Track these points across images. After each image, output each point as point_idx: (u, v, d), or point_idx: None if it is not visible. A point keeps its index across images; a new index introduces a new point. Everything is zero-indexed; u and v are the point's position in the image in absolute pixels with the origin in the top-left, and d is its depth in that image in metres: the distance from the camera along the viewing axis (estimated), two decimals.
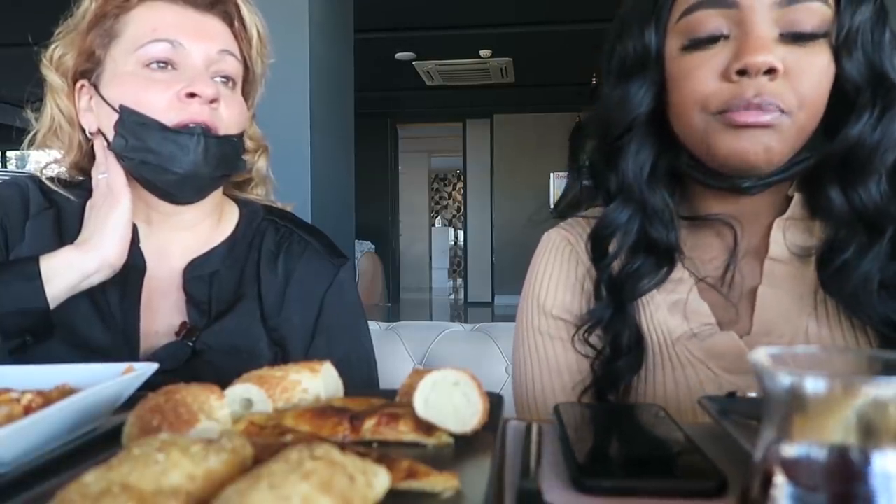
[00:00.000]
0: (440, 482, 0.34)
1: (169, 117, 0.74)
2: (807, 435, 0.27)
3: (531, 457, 0.42)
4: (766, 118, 0.59)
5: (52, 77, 0.80)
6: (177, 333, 0.79)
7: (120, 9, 0.78)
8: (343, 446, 0.34)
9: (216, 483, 0.31)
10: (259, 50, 0.86)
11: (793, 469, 0.27)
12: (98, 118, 0.79)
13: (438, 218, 13.04)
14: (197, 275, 0.82)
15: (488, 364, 1.25)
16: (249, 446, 0.35)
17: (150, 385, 0.48)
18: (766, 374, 0.28)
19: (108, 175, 0.77)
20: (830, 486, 0.26)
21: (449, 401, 0.42)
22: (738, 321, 0.68)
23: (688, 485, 0.38)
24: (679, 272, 0.70)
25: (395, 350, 1.29)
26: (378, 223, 8.03)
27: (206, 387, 0.43)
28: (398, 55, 5.86)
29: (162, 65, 0.76)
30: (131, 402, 0.46)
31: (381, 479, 0.32)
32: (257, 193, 0.94)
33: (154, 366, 0.52)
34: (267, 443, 0.37)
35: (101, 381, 0.46)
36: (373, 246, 7.34)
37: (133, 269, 0.79)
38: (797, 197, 0.68)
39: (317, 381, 0.50)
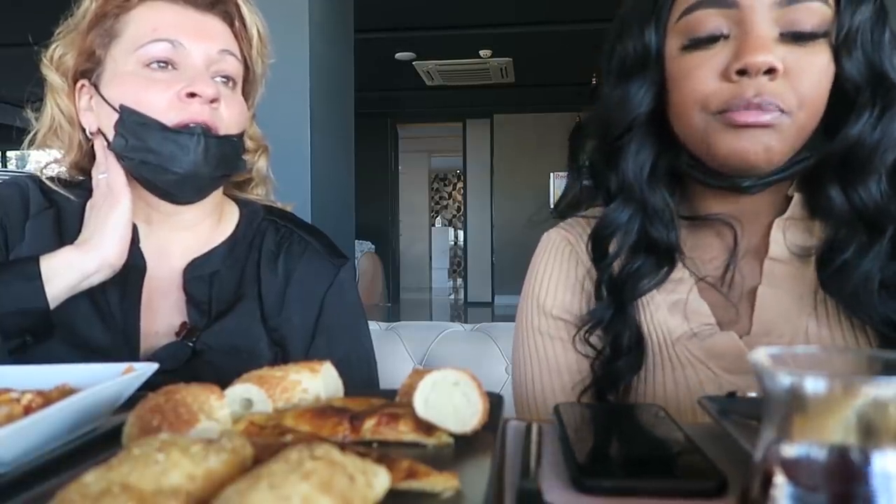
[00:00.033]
0: (440, 482, 0.34)
1: (169, 117, 0.74)
2: (807, 435, 0.27)
3: (531, 457, 0.42)
4: (765, 118, 0.59)
5: (52, 77, 0.80)
6: (177, 334, 0.79)
7: (120, 8, 0.78)
8: (343, 446, 0.34)
9: (216, 483, 0.31)
10: (259, 50, 0.86)
11: (793, 469, 0.27)
12: (98, 118, 0.79)
13: (438, 218, 13.04)
14: (197, 275, 0.82)
15: (488, 364, 1.25)
16: (249, 446, 0.35)
17: (150, 385, 0.48)
18: (766, 374, 0.28)
19: (108, 175, 0.77)
20: (830, 486, 0.26)
21: (449, 401, 0.42)
22: (737, 321, 0.68)
23: (688, 485, 0.38)
24: (679, 272, 0.70)
25: (395, 350, 1.29)
26: (378, 223, 8.03)
27: (206, 387, 0.43)
28: (398, 55, 5.86)
29: (162, 64, 0.76)
30: (131, 402, 0.46)
31: (381, 479, 0.32)
32: (257, 193, 0.94)
33: (154, 366, 0.52)
34: (267, 443, 0.37)
35: (101, 381, 0.46)
36: (373, 246, 7.34)
37: (133, 269, 0.79)
38: (797, 197, 0.68)
39: (317, 381, 0.50)
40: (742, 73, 0.59)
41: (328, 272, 0.88)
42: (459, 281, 10.78)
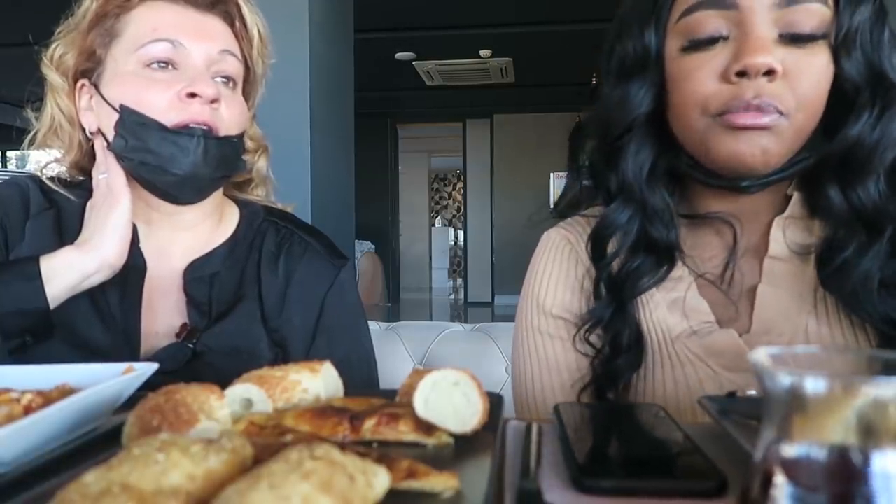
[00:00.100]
0: (440, 482, 0.34)
1: (169, 117, 0.74)
2: (807, 435, 0.27)
3: (531, 457, 0.42)
4: (764, 120, 0.59)
5: (52, 76, 0.80)
6: (177, 335, 0.79)
7: (121, 8, 0.78)
8: (343, 446, 0.34)
9: (216, 483, 0.31)
10: (260, 50, 0.86)
11: (793, 469, 0.27)
12: (98, 118, 0.79)
13: (438, 218, 13.04)
14: (197, 276, 0.82)
15: (488, 364, 1.25)
16: (249, 446, 0.35)
17: (150, 386, 0.48)
18: (766, 374, 0.28)
19: (108, 175, 0.77)
20: (830, 486, 0.26)
21: (449, 401, 0.42)
22: (737, 319, 0.68)
23: (688, 485, 0.38)
24: (679, 270, 0.70)
25: (395, 350, 1.29)
26: (378, 223, 8.03)
27: (206, 387, 0.43)
28: (398, 55, 5.86)
29: (163, 65, 0.76)
30: (131, 402, 0.46)
31: (381, 479, 0.32)
32: (258, 194, 0.94)
33: (154, 366, 0.52)
34: (267, 443, 0.37)
35: (101, 381, 0.46)
36: (373, 246, 7.34)
37: (133, 269, 0.79)
38: (797, 195, 0.68)
39: (317, 381, 0.50)
40: (741, 74, 0.60)
41: (328, 273, 0.88)
42: (459, 281, 10.78)
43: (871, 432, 0.25)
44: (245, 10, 0.83)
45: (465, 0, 4.61)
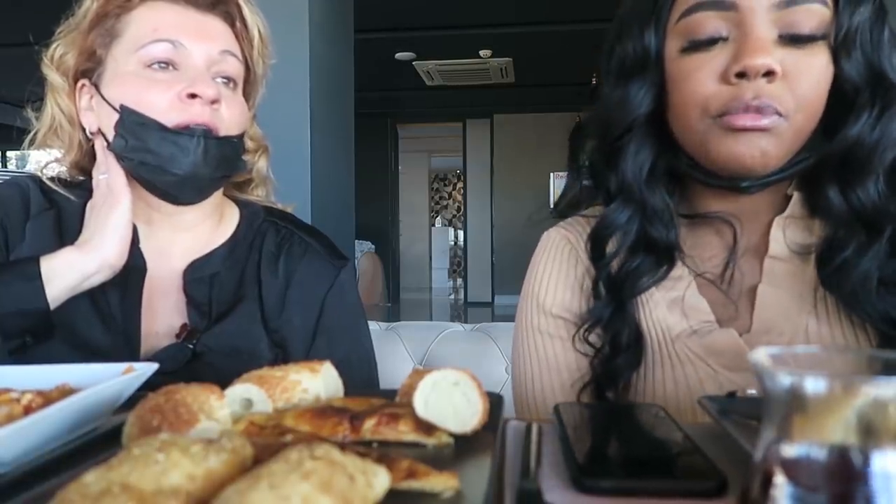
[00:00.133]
0: (440, 482, 0.34)
1: (170, 118, 0.74)
2: (807, 435, 0.27)
3: (531, 457, 0.42)
4: (763, 122, 0.59)
5: (52, 76, 0.80)
6: (177, 335, 0.79)
7: (121, 8, 0.78)
8: (343, 446, 0.34)
9: (216, 483, 0.31)
10: (260, 50, 0.85)
11: (793, 469, 0.27)
12: (98, 118, 0.79)
13: (438, 218, 13.04)
14: (197, 276, 0.82)
15: (488, 364, 1.25)
16: (249, 446, 0.35)
17: (150, 387, 0.48)
18: (766, 374, 0.28)
19: (109, 175, 0.77)
20: (830, 486, 0.26)
21: (449, 401, 0.42)
22: (737, 318, 0.68)
23: (688, 485, 0.38)
24: (678, 270, 0.71)
25: (395, 350, 1.29)
26: (378, 223, 8.03)
27: (206, 387, 0.43)
28: (398, 55, 5.86)
29: (163, 65, 0.76)
30: (131, 402, 0.46)
31: (381, 479, 0.32)
32: (258, 194, 0.94)
33: (154, 366, 0.52)
34: (267, 443, 0.37)
35: (101, 381, 0.46)
36: (373, 246, 7.34)
37: (133, 269, 0.79)
38: (796, 195, 0.68)
39: (317, 381, 0.50)
40: (741, 75, 0.60)
41: (329, 273, 0.88)
42: (459, 281, 10.78)
43: (871, 432, 0.25)
44: (246, 11, 0.83)
45: (465, 0, 4.61)
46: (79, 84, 0.80)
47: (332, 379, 0.52)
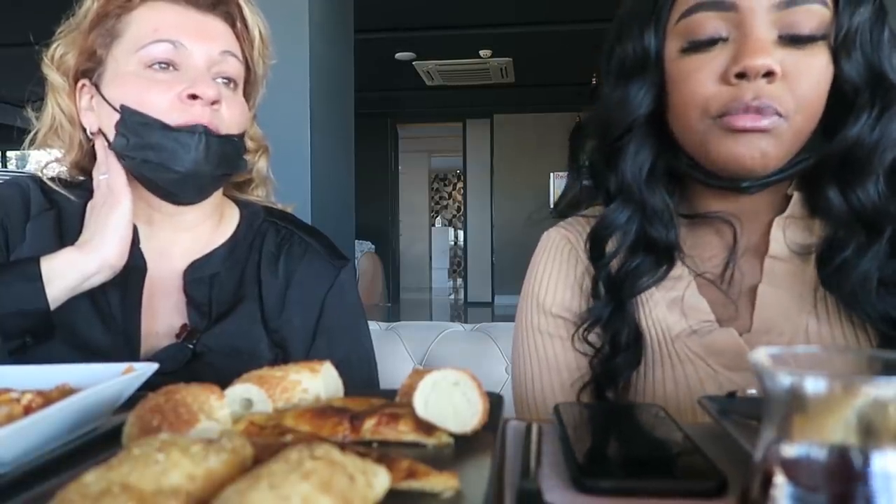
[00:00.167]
0: (440, 482, 0.34)
1: (171, 118, 0.74)
2: (807, 435, 0.27)
3: (531, 457, 0.42)
4: (763, 123, 0.59)
5: (53, 76, 0.80)
6: (177, 336, 0.79)
7: (122, 9, 0.78)
8: (343, 446, 0.34)
9: (216, 483, 0.31)
10: (261, 51, 0.85)
11: (793, 469, 0.27)
12: (99, 118, 0.79)
13: (438, 218, 13.04)
14: (197, 276, 0.82)
15: (488, 364, 1.25)
16: (249, 446, 0.35)
17: (150, 386, 0.48)
18: (766, 374, 0.28)
19: (109, 175, 0.77)
20: (830, 486, 0.26)
21: (449, 401, 0.42)
22: (737, 318, 0.68)
23: (688, 485, 0.38)
24: (678, 270, 0.71)
25: (395, 350, 1.29)
26: (378, 223, 8.03)
27: (206, 387, 0.43)
28: (398, 55, 5.86)
29: (164, 65, 0.76)
30: (131, 402, 0.46)
31: (381, 479, 0.32)
32: (258, 195, 0.94)
33: (154, 366, 0.52)
34: (267, 443, 0.37)
35: (101, 381, 0.46)
36: (373, 246, 7.34)
37: (134, 270, 0.79)
38: (797, 195, 0.68)
39: (317, 381, 0.50)
40: (741, 76, 0.60)
41: (329, 274, 0.88)
42: (459, 281, 10.78)
43: (871, 432, 0.25)
44: (246, 11, 0.83)
45: (465, 0, 4.61)
46: (79, 84, 0.80)
47: (332, 379, 0.52)
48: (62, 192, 0.82)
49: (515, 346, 0.80)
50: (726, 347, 0.66)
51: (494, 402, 0.47)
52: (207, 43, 0.78)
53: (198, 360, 0.77)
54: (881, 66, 0.61)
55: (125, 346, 0.76)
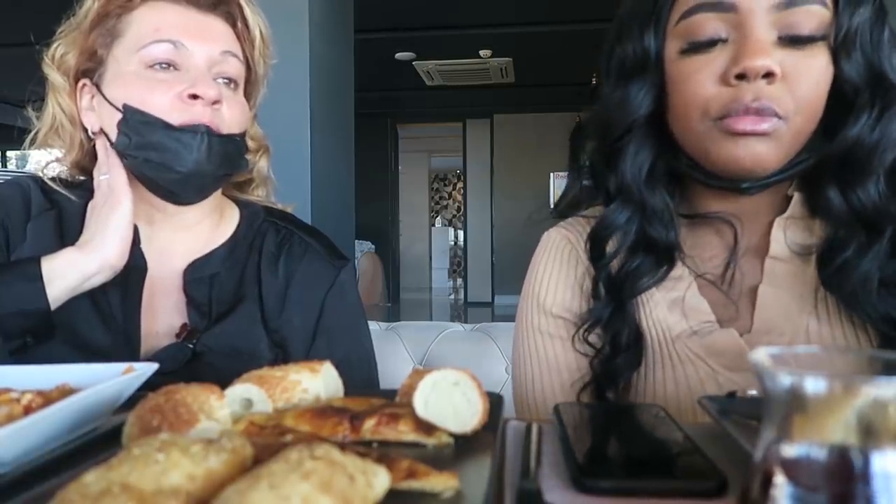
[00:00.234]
0: (440, 482, 0.34)
1: (172, 118, 0.74)
2: (807, 435, 0.27)
3: (531, 457, 0.42)
4: (763, 126, 0.59)
5: (53, 76, 0.80)
6: (177, 335, 0.79)
7: (122, 8, 0.78)
8: (343, 446, 0.34)
9: (216, 483, 0.31)
10: (262, 51, 0.85)
11: (793, 469, 0.27)
12: (100, 118, 0.79)
13: (438, 218, 13.04)
14: (197, 276, 0.82)
15: (488, 364, 1.25)
16: (249, 446, 0.35)
17: (150, 387, 0.48)
18: (767, 374, 0.28)
19: (110, 175, 0.77)
20: (830, 486, 0.26)
21: (449, 401, 0.42)
22: (738, 319, 0.68)
23: (688, 485, 0.38)
24: (679, 270, 0.71)
25: (395, 350, 1.29)
26: (378, 223, 8.03)
27: (206, 387, 0.43)
28: (398, 55, 5.86)
29: (164, 65, 0.76)
30: (131, 402, 0.46)
31: (381, 479, 0.32)
32: (258, 194, 0.94)
33: (154, 366, 0.52)
34: (267, 443, 0.37)
35: (101, 381, 0.46)
36: (373, 246, 7.34)
37: (134, 270, 0.79)
38: (797, 196, 0.68)
39: (317, 381, 0.50)
40: (740, 77, 0.60)
41: (329, 274, 0.88)
42: (459, 281, 10.78)
43: (871, 432, 0.25)
44: (247, 11, 0.83)
45: (465, 0, 4.61)
46: (80, 84, 0.80)
47: (332, 379, 0.52)
48: (63, 192, 0.82)
49: (516, 347, 0.80)
50: (727, 348, 0.66)
51: (494, 402, 0.47)
52: (208, 43, 0.78)
53: (198, 360, 0.77)
54: (881, 67, 0.61)
55: (125, 346, 0.76)
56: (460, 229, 10.86)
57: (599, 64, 0.73)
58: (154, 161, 0.75)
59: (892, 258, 0.62)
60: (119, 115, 0.75)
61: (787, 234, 0.67)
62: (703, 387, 0.66)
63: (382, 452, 0.36)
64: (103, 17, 0.78)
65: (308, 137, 2.31)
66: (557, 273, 0.77)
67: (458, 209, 12.57)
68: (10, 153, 9.19)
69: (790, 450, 0.27)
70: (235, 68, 0.81)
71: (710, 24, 0.62)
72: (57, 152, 0.84)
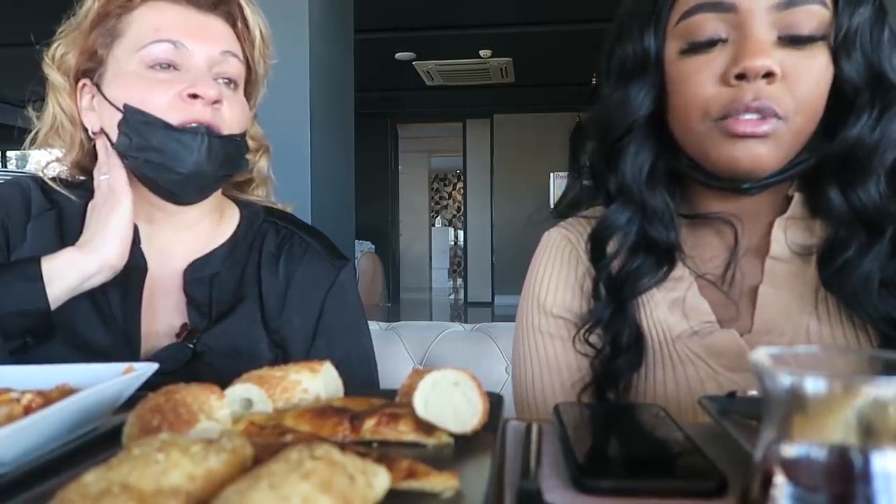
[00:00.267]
0: (440, 482, 0.34)
1: (171, 117, 0.74)
2: (807, 435, 0.27)
3: (531, 457, 0.42)
4: (763, 128, 0.59)
5: (53, 76, 0.80)
6: (177, 335, 0.79)
7: (122, 8, 0.78)
8: (343, 446, 0.34)
9: (216, 483, 0.31)
10: (262, 51, 0.85)
11: (793, 469, 0.27)
12: (101, 118, 0.79)
13: (438, 218, 13.04)
14: (197, 276, 0.82)
15: (488, 364, 1.25)
16: (249, 446, 0.35)
17: (150, 386, 0.48)
18: (767, 374, 0.28)
19: (110, 175, 0.77)
20: (830, 486, 0.26)
21: (449, 401, 0.42)
22: (738, 319, 0.68)
23: (688, 485, 0.38)
24: (679, 270, 0.71)
25: (395, 350, 1.29)
26: (378, 223, 8.03)
27: (206, 387, 0.43)
28: (398, 55, 5.86)
29: (164, 65, 0.76)
30: (131, 402, 0.46)
31: (381, 479, 0.32)
32: (258, 194, 0.94)
33: (154, 366, 0.52)
34: (267, 443, 0.37)
35: (101, 381, 0.46)
36: (373, 246, 7.34)
37: (134, 269, 0.79)
38: (798, 196, 0.68)
39: (317, 381, 0.50)
40: (740, 77, 0.60)
41: (329, 274, 0.88)
42: (459, 281, 10.78)
43: (871, 432, 0.25)
44: (247, 11, 0.83)
45: (465, 0, 4.61)
46: (80, 84, 0.80)
47: (332, 379, 0.52)
48: (63, 192, 0.82)
49: (516, 347, 0.80)
50: (727, 348, 0.66)
51: (494, 402, 0.47)
52: (208, 43, 0.78)
53: (198, 359, 0.77)
54: (881, 66, 0.61)
55: (125, 346, 0.76)
56: (460, 229, 10.86)
57: (599, 64, 0.73)
58: (154, 162, 0.75)
59: (893, 258, 0.62)
60: (119, 115, 0.75)
61: (788, 235, 0.67)
62: (704, 387, 0.66)
63: (382, 452, 0.36)
64: (103, 17, 0.78)
65: (308, 137, 2.31)
66: (558, 273, 0.77)
67: (458, 209, 12.57)
68: (10, 153, 9.19)
69: (790, 450, 0.27)
70: (235, 68, 0.81)
71: (710, 25, 0.62)
72: (57, 152, 0.84)
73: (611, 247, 0.72)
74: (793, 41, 0.60)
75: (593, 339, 0.72)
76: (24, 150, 0.84)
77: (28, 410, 0.44)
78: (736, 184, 0.65)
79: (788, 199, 0.68)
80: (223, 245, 0.86)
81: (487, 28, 5.11)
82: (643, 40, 0.66)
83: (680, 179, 0.72)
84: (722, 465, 0.40)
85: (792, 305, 0.66)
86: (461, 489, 0.34)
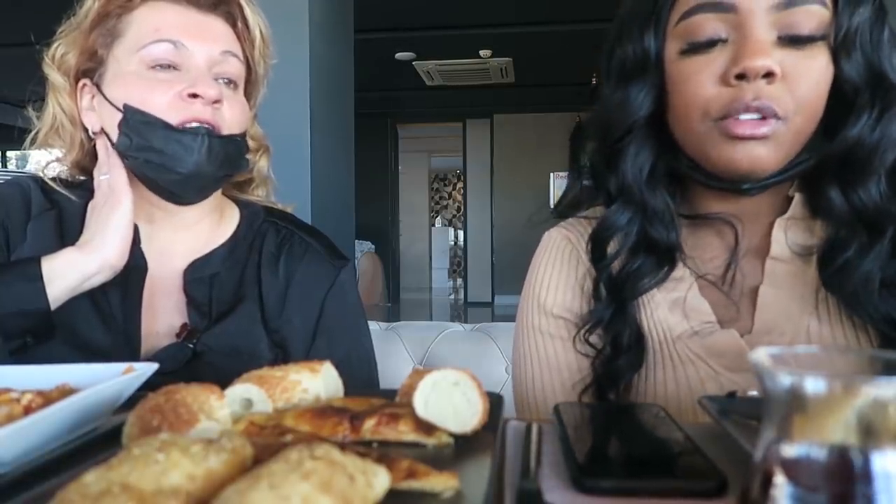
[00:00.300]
0: (440, 482, 0.34)
1: (171, 116, 0.74)
2: (807, 435, 0.27)
3: (531, 457, 0.42)
4: (763, 130, 0.59)
5: (53, 76, 0.80)
6: (177, 335, 0.79)
7: (122, 8, 0.78)
8: (343, 446, 0.34)
9: (216, 483, 0.31)
10: (262, 51, 0.85)
11: (793, 469, 0.27)
12: (101, 118, 0.79)
13: (438, 218, 13.04)
14: (197, 276, 0.82)
15: (488, 364, 1.25)
16: (249, 446, 0.35)
17: (150, 387, 0.48)
18: (767, 374, 0.28)
19: (110, 175, 0.77)
20: (830, 486, 0.26)
21: (449, 401, 0.42)
22: (738, 319, 0.68)
23: (688, 485, 0.38)
24: (680, 271, 0.71)
25: (395, 350, 1.29)
26: (378, 223, 8.03)
27: (206, 387, 0.43)
28: (398, 55, 5.86)
29: (165, 65, 0.76)
30: (131, 402, 0.46)
31: (381, 479, 0.32)
32: (258, 194, 0.94)
33: (154, 366, 0.52)
34: (267, 443, 0.37)
35: (101, 381, 0.46)
36: (373, 246, 7.34)
37: (134, 269, 0.79)
38: (798, 196, 0.68)
39: (317, 381, 0.50)
40: (740, 77, 0.60)
41: (329, 274, 0.88)
42: (459, 281, 10.78)
43: (871, 432, 0.25)
44: (247, 11, 0.83)
45: (465, 0, 4.61)
46: (80, 84, 0.80)
47: (332, 379, 0.52)
48: (63, 192, 0.82)
49: (516, 347, 0.80)
50: (727, 348, 0.66)
51: (494, 402, 0.47)
52: (208, 43, 0.78)
53: (198, 359, 0.77)
54: (881, 66, 0.61)
55: (125, 346, 0.76)
56: (460, 229, 10.86)
57: (599, 64, 0.73)
58: (154, 162, 0.75)
59: (894, 258, 0.62)
60: (119, 115, 0.75)
61: (788, 235, 0.67)
62: (704, 387, 0.66)
63: (382, 452, 0.36)
64: (103, 17, 0.78)
65: (308, 137, 2.31)
66: (558, 273, 0.77)
67: (458, 209, 12.57)
68: (10, 153, 9.19)
69: (790, 450, 0.27)
70: (235, 68, 0.81)
71: (710, 25, 0.62)
72: (57, 152, 0.84)
73: (611, 247, 0.72)
74: (793, 41, 0.60)
75: (594, 339, 0.72)
76: (24, 150, 0.84)
77: (28, 410, 0.44)
78: (736, 184, 0.65)
79: (789, 200, 0.68)
80: (223, 245, 0.86)
81: (487, 28, 5.11)
82: (643, 40, 0.66)
83: (680, 180, 0.72)
84: (722, 465, 0.40)
85: (792, 306, 0.66)
86: (461, 489, 0.34)
